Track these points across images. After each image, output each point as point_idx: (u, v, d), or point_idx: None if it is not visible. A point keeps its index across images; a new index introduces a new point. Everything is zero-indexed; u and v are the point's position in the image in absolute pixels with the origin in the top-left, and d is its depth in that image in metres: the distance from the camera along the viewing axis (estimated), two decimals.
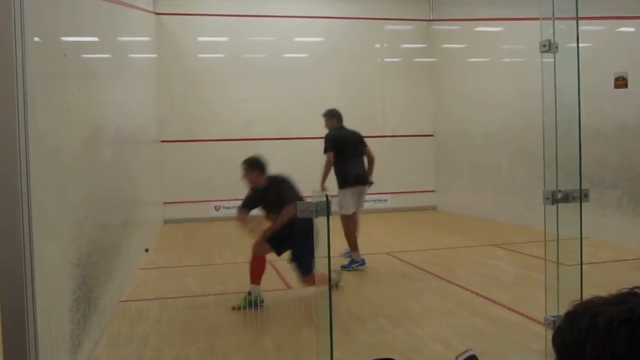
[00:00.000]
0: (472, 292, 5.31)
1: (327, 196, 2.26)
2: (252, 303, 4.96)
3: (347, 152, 6.29)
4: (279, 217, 4.93)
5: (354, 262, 6.26)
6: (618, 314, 0.91)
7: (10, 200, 2.29)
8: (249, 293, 5.01)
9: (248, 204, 5.31)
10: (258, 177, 5.18)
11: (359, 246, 6.31)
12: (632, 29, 7.89)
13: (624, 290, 0.97)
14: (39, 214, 2.45)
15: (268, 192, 5.13)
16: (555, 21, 2.95)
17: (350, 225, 6.26)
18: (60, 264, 3.22)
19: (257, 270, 5.09)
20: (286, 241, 5.07)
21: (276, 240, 5.08)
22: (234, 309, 4.94)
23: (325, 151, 6.32)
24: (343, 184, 6.30)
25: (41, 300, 2.42)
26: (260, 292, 5.07)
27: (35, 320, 2.37)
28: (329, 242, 2.28)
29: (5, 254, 2.30)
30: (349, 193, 6.29)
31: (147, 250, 6.96)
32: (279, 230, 4.97)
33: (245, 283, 5.95)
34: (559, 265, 2.98)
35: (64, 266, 3.29)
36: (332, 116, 6.49)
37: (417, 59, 12.48)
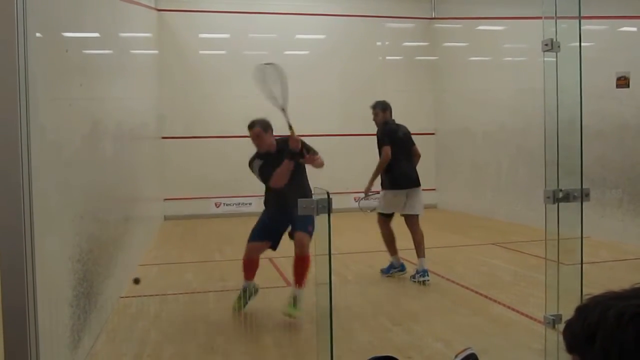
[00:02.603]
0: (472, 290, 5.32)
1: (328, 193, 2.25)
2: (247, 299, 4.77)
3: (396, 150, 5.82)
4: (282, 166, 4.49)
5: (392, 267, 5.95)
6: (629, 307, 0.92)
7: (12, 195, 2.29)
8: (244, 289, 4.81)
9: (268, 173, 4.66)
10: (272, 139, 4.80)
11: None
12: (635, 29, 7.87)
13: (637, 285, 0.98)
14: (40, 209, 2.45)
15: (281, 155, 4.62)
16: (558, 20, 2.95)
17: (383, 227, 5.92)
18: (61, 259, 3.22)
19: (248, 267, 4.87)
20: (279, 231, 4.76)
21: (269, 234, 4.78)
22: (234, 309, 4.76)
23: (381, 146, 5.85)
24: (386, 184, 5.88)
25: (42, 295, 2.42)
26: (254, 285, 4.86)
27: (36, 315, 2.37)
28: (330, 240, 2.28)
29: (6, 249, 2.30)
30: (390, 194, 5.87)
31: (136, 281, 5.30)
32: (268, 224, 4.76)
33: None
34: (559, 264, 2.98)
35: (65, 261, 3.30)
36: (385, 108, 6.11)
37: (418, 57, 12.46)
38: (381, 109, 6.06)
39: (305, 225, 4.51)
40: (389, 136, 5.85)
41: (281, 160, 4.55)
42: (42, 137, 2.68)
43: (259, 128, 4.82)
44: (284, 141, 4.71)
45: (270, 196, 4.86)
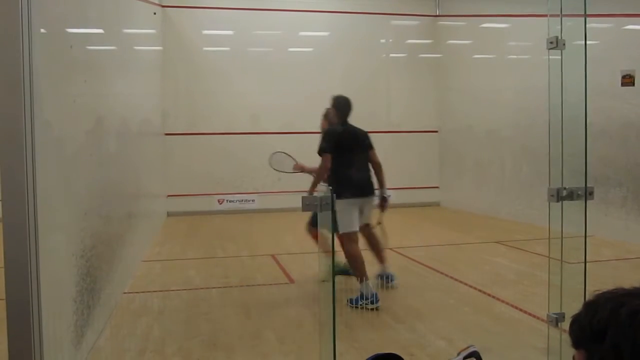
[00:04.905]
0: (474, 288, 5.31)
1: (331, 190, 2.26)
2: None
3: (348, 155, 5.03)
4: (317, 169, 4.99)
5: (362, 298, 4.76)
6: None
7: (16, 190, 2.30)
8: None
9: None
10: (332, 118, 5.24)
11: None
12: None
13: None
14: (44, 205, 2.45)
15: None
16: (563, 18, 2.94)
17: (352, 247, 4.89)
18: (65, 255, 3.23)
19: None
20: None
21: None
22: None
23: (320, 152, 5.03)
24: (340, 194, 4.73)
25: (46, 291, 2.43)
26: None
27: (39, 310, 2.38)
28: (333, 237, 2.28)
29: (10, 245, 2.31)
30: (348, 206, 4.87)
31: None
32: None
33: (247, 276, 5.99)
34: (563, 263, 2.97)
35: (69, 257, 3.31)
36: (338, 108, 5.19)
37: (422, 55, 12.44)
38: (333, 106, 5.22)
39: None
40: (330, 142, 5.02)
41: None
42: (47, 133, 2.68)
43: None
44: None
45: None
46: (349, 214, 4.84)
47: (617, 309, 0.93)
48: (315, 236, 5.42)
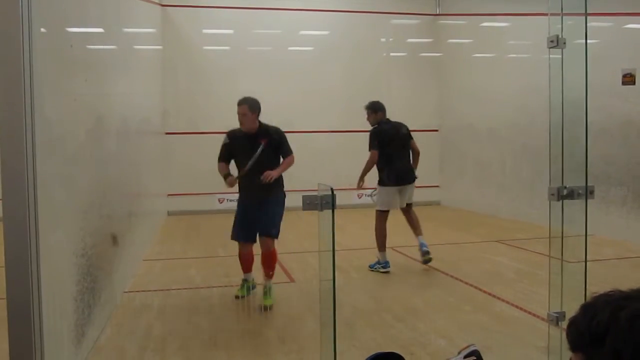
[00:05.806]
0: (475, 287, 5.32)
1: (332, 189, 2.25)
2: (249, 289, 5.14)
3: (390, 148, 6.00)
4: (284, 163, 4.90)
5: (378, 263, 6.03)
6: None
7: (17, 189, 2.30)
8: (245, 280, 5.16)
9: (224, 155, 5.07)
10: (255, 121, 4.84)
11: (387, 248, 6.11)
12: None
13: None
14: (45, 204, 2.45)
15: (259, 138, 4.80)
16: (564, 17, 2.93)
17: (379, 223, 6.10)
18: (66, 254, 3.23)
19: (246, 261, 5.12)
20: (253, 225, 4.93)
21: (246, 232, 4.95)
22: (237, 297, 5.07)
23: (370, 148, 6.02)
24: (382, 181, 6.09)
25: (46, 290, 2.43)
26: (253, 279, 5.20)
27: (40, 309, 2.38)
28: (334, 237, 2.28)
29: (11, 243, 2.31)
30: (385, 191, 6.07)
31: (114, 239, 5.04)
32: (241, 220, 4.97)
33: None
34: (563, 262, 2.97)
35: (69, 256, 3.31)
36: (377, 110, 6.13)
37: (422, 54, 12.43)
38: (372, 110, 6.13)
39: (269, 229, 4.86)
40: (377, 139, 5.98)
41: (252, 145, 4.81)
42: (47, 132, 2.68)
43: (245, 106, 4.81)
44: (265, 129, 4.89)
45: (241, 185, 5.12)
46: (384, 197, 6.04)
47: (616, 312, 0.91)
48: (245, 256, 5.08)
